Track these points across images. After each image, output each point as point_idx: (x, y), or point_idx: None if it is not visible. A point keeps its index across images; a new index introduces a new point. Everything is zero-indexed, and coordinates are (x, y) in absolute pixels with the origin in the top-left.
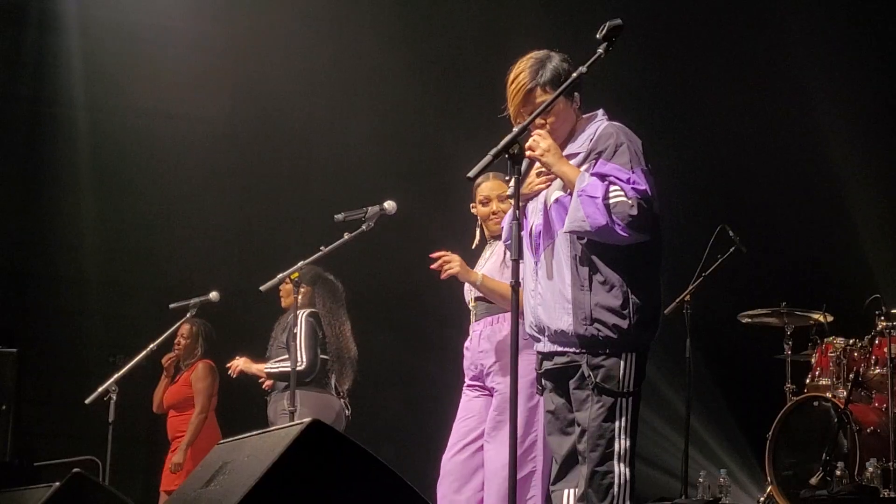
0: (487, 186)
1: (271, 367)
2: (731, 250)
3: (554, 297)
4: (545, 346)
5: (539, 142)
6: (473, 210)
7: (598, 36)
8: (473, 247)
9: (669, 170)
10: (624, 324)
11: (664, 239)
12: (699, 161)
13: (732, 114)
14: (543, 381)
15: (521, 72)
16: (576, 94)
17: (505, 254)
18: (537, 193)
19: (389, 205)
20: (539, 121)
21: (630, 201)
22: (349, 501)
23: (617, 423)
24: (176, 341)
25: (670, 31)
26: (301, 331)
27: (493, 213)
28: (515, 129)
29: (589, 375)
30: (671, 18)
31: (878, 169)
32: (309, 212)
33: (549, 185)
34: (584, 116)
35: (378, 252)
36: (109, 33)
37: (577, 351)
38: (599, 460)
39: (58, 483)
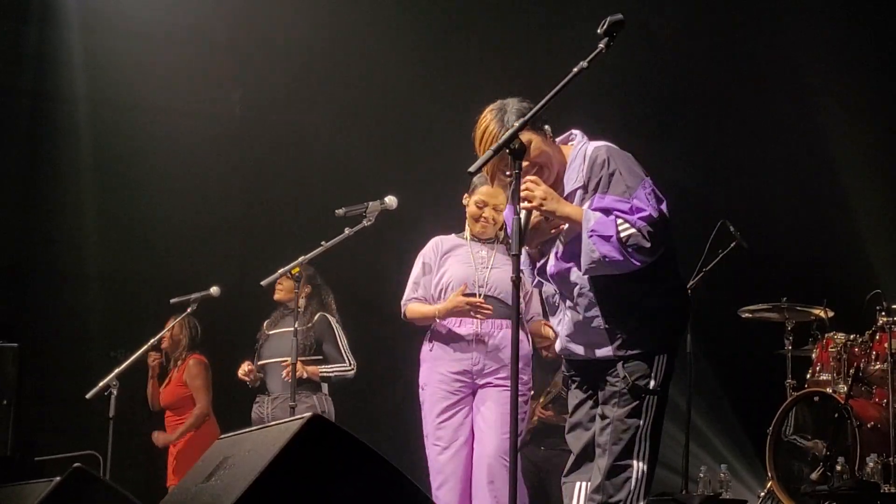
0: (488, 191)
1: (327, 371)
2: (732, 245)
3: (588, 330)
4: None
5: (534, 191)
6: (465, 202)
7: (598, 31)
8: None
9: (671, 165)
10: (658, 332)
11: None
12: (700, 156)
13: (733, 109)
14: (573, 374)
15: (486, 125)
16: (546, 127)
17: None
18: (554, 237)
19: (390, 200)
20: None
21: (640, 232)
22: (350, 496)
23: (642, 421)
24: (162, 337)
25: (672, 26)
26: (340, 335)
27: (483, 218)
28: (517, 125)
29: (625, 377)
30: (673, 13)
31: (879, 164)
32: (309, 207)
33: (563, 230)
34: (559, 141)
35: (378, 246)
36: (111, 28)
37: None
38: (620, 454)
39: (58, 478)
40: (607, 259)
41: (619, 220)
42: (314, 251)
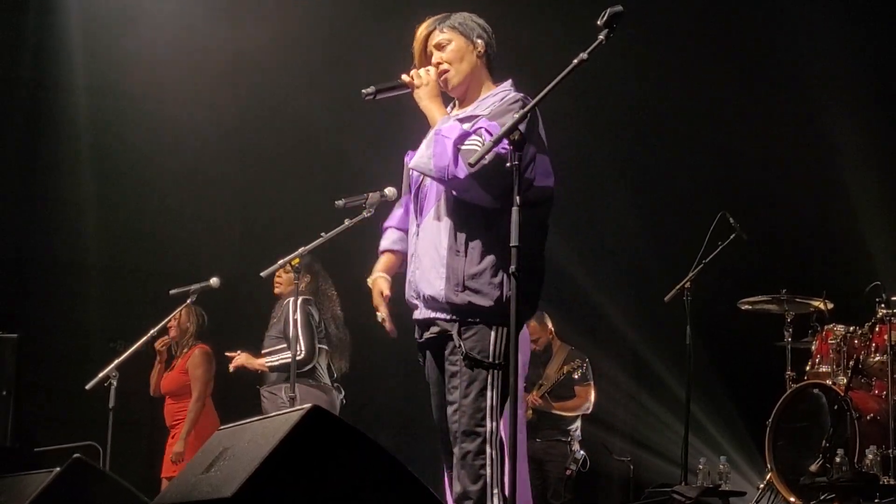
0: None
1: (273, 361)
2: (732, 237)
3: (430, 261)
4: (421, 312)
5: (422, 75)
6: None
7: (598, 23)
8: None
9: (671, 156)
10: (495, 295)
11: (542, 217)
12: (700, 148)
13: (733, 100)
14: (424, 350)
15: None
16: (486, 51)
17: None
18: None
19: (390, 191)
20: (436, 58)
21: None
22: (349, 486)
23: (487, 401)
24: (169, 325)
25: (671, 16)
26: (298, 319)
27: None
28: (516, 116)
29: (459, 345)
30: (672, 3)
31: (878, 156)
32: (309, 197)
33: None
34: (493, 84)
35: (378, 238)
36: (110, 17)
37: (448, 318)
38: (470, 440)
39: (58, 468)
40: (435, 158)
41: (475, 137)
42: (314, 242)
